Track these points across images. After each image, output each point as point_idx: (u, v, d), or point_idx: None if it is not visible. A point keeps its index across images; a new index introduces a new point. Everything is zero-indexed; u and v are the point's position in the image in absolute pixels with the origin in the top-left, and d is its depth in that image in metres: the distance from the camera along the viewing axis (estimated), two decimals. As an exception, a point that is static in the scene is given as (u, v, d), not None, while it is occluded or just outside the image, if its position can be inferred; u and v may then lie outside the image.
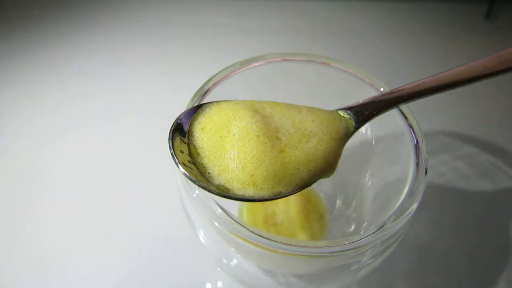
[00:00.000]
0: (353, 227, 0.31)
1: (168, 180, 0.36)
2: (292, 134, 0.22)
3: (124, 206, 0.38)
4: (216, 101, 0.24)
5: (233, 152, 0.21)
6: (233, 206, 0.34)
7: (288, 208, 0.34)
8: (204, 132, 0.22)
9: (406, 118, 0.26)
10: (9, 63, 0.53)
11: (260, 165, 0.21)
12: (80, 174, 0.40)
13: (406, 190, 0.23)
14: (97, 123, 0.46)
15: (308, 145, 0.22)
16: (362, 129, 0.27)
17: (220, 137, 0.22)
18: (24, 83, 0.51)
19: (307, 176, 0.21)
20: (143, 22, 0.62)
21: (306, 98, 0.26)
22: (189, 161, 0.21)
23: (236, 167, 0.21)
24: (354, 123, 0.24)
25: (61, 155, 0.42)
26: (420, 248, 0.35)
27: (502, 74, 0.21)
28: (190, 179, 0.20)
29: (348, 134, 0.23)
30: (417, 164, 0.24)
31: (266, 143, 0.21)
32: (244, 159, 0.21)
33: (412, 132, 0.26)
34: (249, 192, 0.21)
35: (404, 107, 0.27)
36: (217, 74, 0.28)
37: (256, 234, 0.21)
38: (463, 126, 0.46)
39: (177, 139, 0.22)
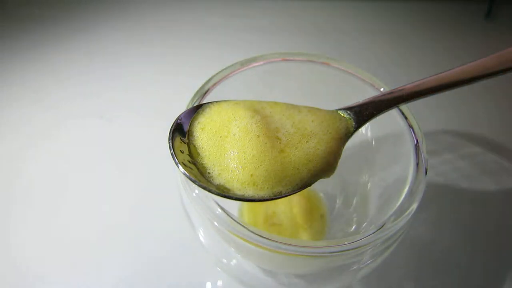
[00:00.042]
0: (353, 227, 0.31)
1: (168, 180, 0.36)
2: (292, 134, 0.22)
3: (124, 206, 0.38)
4: (216, 101, 0.24)
5: (233, 152, 0.21)
6: (233, 206, 0.34)
7: (288, 208, 0.34)
8: (204, 132, 0.22)
9: (406, 118, 0.26)
10: (9, 63, 0.53)
11: (260, 165, 0.21)
12: (80, 174, 0.40)
13: (406, 190, 0.23)
14: (97, 123, 0.46)
15: (308, 145, 0.22)
16: (362, 129, 0.27)
17: (220, 137, 0.22)
18: (24, 83, 0.51)
19: (307, 176, 0.21)
20: (143, 22, 0.62)
21: (306, 98, 0.26)
22: (189, 161, 0.21)
23: (236, 167, 0.21)
24: (354, 123, 0.24)
25: (61, 155, 0.42)
26: (422, 248, 0.35)
27: (502, 74, 0.21)
28: (190, 179, 0.20)
29: (348, 134, 0.23)
30: (417, 164, 0.24)
31: (266, 143, 0.21)
32: (244, 159, 0.21)
33: (412, 132, 0.26)
34: (249, 192, 0.21)
35: (404, 107, 0.27)
36: (217, 74, 0.28)
37: (256, 234, 0.21)
38: (467, 125, 0.46)
39: (177, 139, 0.22)
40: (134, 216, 0.37)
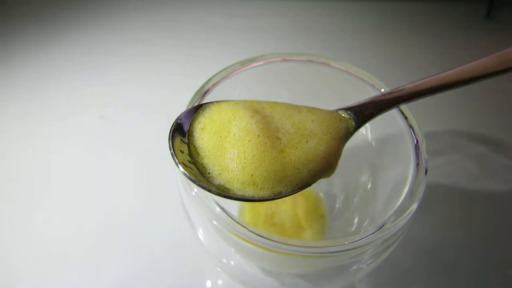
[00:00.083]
0: (353, 227, 0.31)
1: (168, 180, 0.36)
2: (292, 134, 0.22)
3: (124, 206, 0.38)
4: (216, 101, 0.24)
5: (233, 152, 0.21)
6: (233, 206, 0.34)
7: (288, 208, 0.34)
8: (204, 132, 0.22)
9: (406, 118, 0.26)
10: (9, 63, 0.53)
11: (260, 165, 0.21)
12: (80, 174, 0.40)
13: (406, 190, 0.23)
14: (97, 123, 0.46)
15: (308, 145, 0.22)
16: (362, 129, 0.27)
17: (220, 137, 0.22)
18: (23, 83, 0.51)
19: (307, 176, 0.21)
20: (143, 21, 0.62)
21: (306, 98, 0.26)
22: (189, 161, 0.21)
23: (236, 167, 0.21)
24: (354, 123, 0.24)
25: (61, 154, 0.42)
26: (426, 248, 0.35)
27: (502, 74, 0.21)
28: (190, 179, 0.20)
29: (348, 134, 0.23)
30: (417, 164, 0.24)
31: (266, 143, 0.21)
32: (244, 159, 0.21)
33: (412, 132, 0.26)
34: (249, 192, 0.21)
35: (404, 107, 0.27)
36: (217, 74, 0.28)
37: (256, 234, 0.21)
38: (473, 125, 0.46)
39: (177, 139, 0.22)
40: (134, 216, 0.37)
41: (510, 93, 0.50)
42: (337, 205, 0.35)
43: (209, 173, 0.21)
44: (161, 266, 0.33)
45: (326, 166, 0.22)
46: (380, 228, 0.21)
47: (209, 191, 0.20)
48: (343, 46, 0.57)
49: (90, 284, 0.32)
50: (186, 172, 0.20)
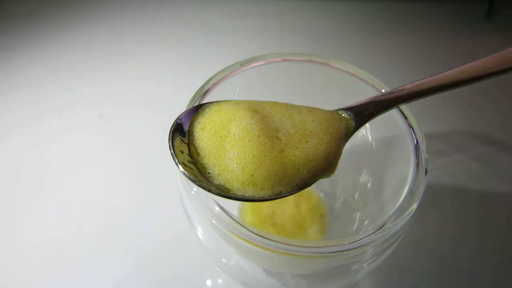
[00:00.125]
0: (353, 227, 0.31)
1: (168, 180, 0.36)
2: (292, 134, 0.22)
3: (124, 206, 0.38)
4: (216, 101, 0.24)
5: (233, 152, 0.21)
6: (233, 206, 0.34)
7: (288, 208, 0.34)
8: (204, 132, 0.22)
9: (406, 118, 0.26)
10: (7, 61, 0.53)
11: (260, 165, 0.21)
12: (80, 174, 0.40)
13: (406, 190, 0.23)
14: (97, 122, 0.46)
15: (308, 145, 0.22)
16: (362, 129, 0.27)
17: (220, 137, 0.22)
18: (22, 81, 0.51)
19: (307, 176, 0.21)
20: (143, 21, 0.62)
21: (306, 98, 0.26)
22: (189, 161, 0.21)
23: (236, 167, 0.21)
24: (354, 123, 0.24)
25: (61, 154, 0.42)
26: (426, 248, 0.35)
27: (502, 74, 0.21)
28: (190, 179, 0.20)
29: (348, 134, 0.23)
30: (417, 164, 0.24)
31: (266, 143, 0.21)
32: (244, 159, 0.21)
33: (412, 132, 0.26)
34: (249, 192, 0.21)
35: (404, 107, 0.27)
36: (217, 74, 0.28)
37: (256, 234, 0.21)
38: (478, 125, 0.46)
39: (177, 139, 0.22)
40: (134, 216, 0.37)
41: None
42: (337, 205, 0.35)
43: (209, 173, 0.21)
44: (161, 266, 0.33)
45: (326, 166, 0.22)
46: (380, 228, 0.21)
47: (209, 191, 0.20)
48: (343, 46, 0.57)
49: (90, 284, 0.32)
50: (186, 172, 0.20)
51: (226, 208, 0.22)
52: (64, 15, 0.62)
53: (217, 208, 0.22)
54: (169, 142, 0.21)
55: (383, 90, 0.28)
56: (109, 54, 0.56)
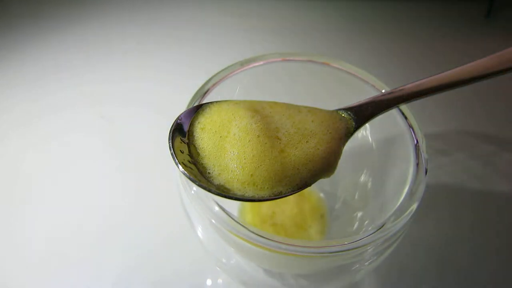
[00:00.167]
0: (353, 227, 0.31)
1: (168, 180, 0.36)
2: (292, 134, 0.22)
3: (124, 206, 0.38)
4: (216, 101, 0.24)
5: (233, 152, 0.21)
6: (233, 206, 0.34)
7: (288, 208, 0.34)
8: (204, 132, 0.22)
9: (406, 118, 0.26)
10: (7, 61, 0.53)
11: (260, 165, 0.21)
12: (80, 174, 0.40)
13: (406, 190, 0.23)
14: (97, 122, 0.46)
15: (308, 145, 0.22)
16: (362, 129, 0.27)
17: (220, 137, 0.22)
18: (22, 81, 0.51)
19: (307, 176, 0.21)
20: (143, 21, 0.62)
21: (306, 98, 0.26)
22: (189, 161, 0.21)
23: (236, 167, 0.21)
24: (354, 123, 0.24)
25: (61, 154, 0.42)
26: (426, 248, 0.35)
27: (502, 74, 0.21)
28: (190, 179, 0.20)
29: (348, 134, 0.23)
30: (417, 164, 0.24)
31: (266, 143, 0.21)
32: (244, 159, 0.21)
33: (412, 132, 0.26)
34: (249, 192, 0.21)
35: (404, 107, 0.27)
36: (217, 74, 0.28)
37: (256, 234, 0.21)
38: (479, 124, 0.46)
39: (177, 139, 0.22)
40: (134, 216, 0.37)
41: None
42: (337, 205, 0.35)
43: (209, 173, 0.21)
44: (161, 265, 0.33)
45: (326, 166, 0.22)
46: (380, 228, 0.21)
47: (209, 191, 0.20)
48: (343, 46, 0.57)
49: (90, 284, 0.32)
50: (186, 172, 0.20)
51: (226, 208, 0.22)
52: (64, 15, 0.62)
53: (217, 208, 0.22)
54: (169, 142, 0.21)
55: (383, 90, 0.28)
56: (109, 54, 0.56)
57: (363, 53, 0.56)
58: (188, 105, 0.26)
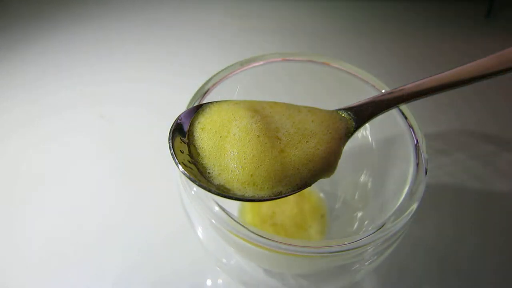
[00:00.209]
0: (353, 227, 0.31)
1: (168, 180, 0.36)
2: (292, 134, 0.22)
3: (124, 206, 0.38)
4: (216, 101, 0.24)
5: (233, 152, 0.21)
6: (233, 206, 0.34)
7: (288, 208, 0.34)
8: (204, 132, 0.22)
9: (406, 118, 0.26)
10: (8, 60, 0.53)
11: (260, 165, 0.21)
12: (80, 174, 0.40)
13: (406, 190, 0.23)
14: (97, 122, 0.46)
15: (308, 145, 0.22)
16: (362, 129, 0.27)
17: (220, 137, 0.22)
18: (22, 81, 0.51)
19: (307, 176, 0.21)
20: (143, 21, 0.62)
21: (306, 98, 0.26)
22: (189, 161, 0.21)
23: (236, 167, 0.21)
24: (354, 123, 0.24)
25: (61, 154, 0.42)
26: (427, 248, 0.35)
27: (502, 74, 0.21)
28: (190, 179, 0.20)
29: (348, 134, 0.23)
30: (417, 164, 0.24)
31: (266, 143, 0.21)
32: (244, 159, 0.21)
33: (412, 132, 0.26)
34: (249, 192, 0.21)
35: (404, 107, 0.27)
36: (217, 74, 0.28)
37: (256, 234, 0.21)
38: (480, 124, 0.46)
39: (177, 139, 0.22)
40: (134, 216, 0.37)
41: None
42: (337, 205, 0.35)
43: (209, 173, 0.21)
44: (161, 265, 0.33)
45: (326, 166, 0.22)
46: (380, 228, 0.21)
47: (209, 191, 0.20)
48: (343, 46, 0.57)
49: (90, 284, 0.32)
50: (186, 172, 0.20)
51: (226, 208, 0.22)
52: (64, 15, 0.62)
53: (217, 208, 0.22)
54: (169, 142, 0.21)
55: (383, 90, 0.28)
56: (109, 54, 0.56)
57: (363, 53, 0.56)
58: (188, 105, 0.26)
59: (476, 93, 0.49)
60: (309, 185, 0.22)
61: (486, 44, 0.56)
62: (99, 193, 0.39)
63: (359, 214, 0.31)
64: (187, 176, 0.20)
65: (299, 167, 0.21)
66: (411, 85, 0.23)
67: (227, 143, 0.22)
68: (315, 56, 0.30)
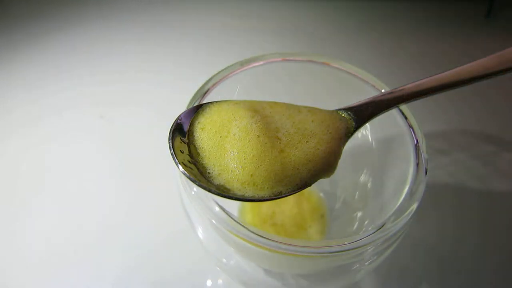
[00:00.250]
0: (353, 227, 0.31)
1: (168, 180, 0.36)
2: (292, 134, 0.22)
3: (124, 206, 0.38)
4: (216, 101, 0.24)
5: (233, 152, 0.21)
6: (233, 206, 0.34)
7: (288, 208, 0.34)
8: (204, 132, 0.22)
9: (406, 118, 0.26)
10: (8, 62, 0.53)
11: (260, 165, 0.21)
12: (80, 174, 0.40)
13: (406, 190, 0.23)
14: (97, 122, 0.46)
15: (308, 145, 0.22)
16: (362, 129, 0.27)
17: (220, 137, 0.22)
18: (22, 81, 0.51)
19: (307, 176, 0.21)
20: (144, 21, 0.62)
21: (306, 98, 0.26)
22: (189, 161, 0.21)
23: (236, 167, 0.21)
24: (354, 123, 0.24)
25: (61, 154, 0.42)
26: (427, 248, 0.35)
27: (502, 74, 0.21)
28: (190, 179, 0.20)
29: (348, 134, 0.23)
30: (417, 164, 0.24)
31: (266, 143, 0.21)
32: (244, 159, 0.21)
33: (412, 132, 0.26)
34: (249, 192, 0.21)
35: (404, 107, 0.27)
36: (217, 74, 0.28)
37: (256, 234, 0.21)
38: (480, 124, 0.45)
39: (177, 139, 0.22)
40: (134, 216, 0.37)
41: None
42: (337, 205, 0.35)
43: (209, 173, 0.21)
44: (161, 265, 0.33)
45: (326, 166, 0.22)
46: (380, 228, 0.21)
47: (209, 191, 0.20)
48: (343, 46, 0.57)
49: (90, 284, 0.32)
50: (186, 172, 0.20)
51: (226, 208, 0.22)
52: (64, 15, 0.62)
53: (217, 208, 0.22)
54: (169, 142, 0.21)
55: (383, 90, 0.28)
56: (109, 54, 0.56)
57: (363, 53, 0.56)
58: (188, 105, 0.26)
59: (476, 93, 0.49)
60: (309, 185, 0.22)
61: (486, 44, 0.56)
62: (99, 193, 0.39)
63: (359, 214, 0.31)
64: (187, 176, 0.20)
65: (299, 167, 0.21)
66: (411, 85, 0.23)
67: (227, 143, 0.22)
68: (315, 56, 0.30)
